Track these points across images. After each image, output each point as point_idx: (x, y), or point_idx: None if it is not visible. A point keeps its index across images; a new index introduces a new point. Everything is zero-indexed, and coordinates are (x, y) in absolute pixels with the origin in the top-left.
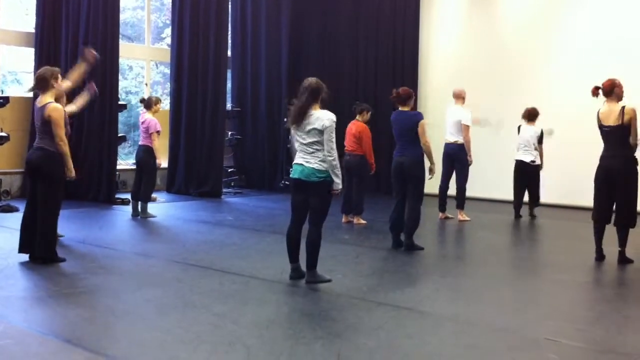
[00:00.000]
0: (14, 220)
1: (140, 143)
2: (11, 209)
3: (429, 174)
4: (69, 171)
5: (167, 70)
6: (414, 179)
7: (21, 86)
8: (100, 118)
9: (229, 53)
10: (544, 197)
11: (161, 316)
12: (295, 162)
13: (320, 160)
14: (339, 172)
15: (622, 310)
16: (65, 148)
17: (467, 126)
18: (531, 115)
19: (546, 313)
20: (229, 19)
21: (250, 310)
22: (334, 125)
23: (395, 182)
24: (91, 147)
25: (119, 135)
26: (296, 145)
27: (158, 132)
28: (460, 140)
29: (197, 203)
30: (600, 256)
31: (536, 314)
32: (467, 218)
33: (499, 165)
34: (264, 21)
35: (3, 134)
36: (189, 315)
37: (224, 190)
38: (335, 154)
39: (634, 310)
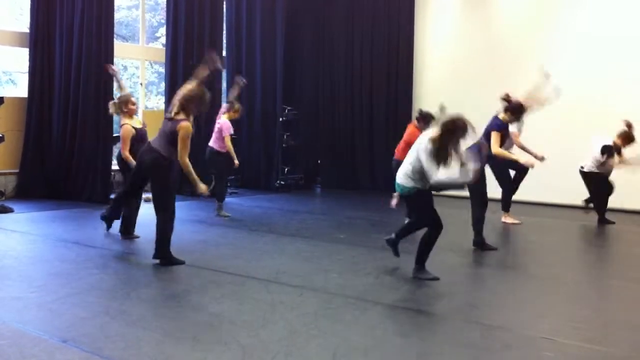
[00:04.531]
0: (9, 221)
1: (209, 144)
2: (6, 210)
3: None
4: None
5: (162, 70)
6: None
7: (16, 86)
8: (96, 118)
9: (224, 53)
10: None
11: (157, 316)
12: None
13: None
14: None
15: (618, 309)
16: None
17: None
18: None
19: (542, 311)
20: (224, 18)
21: (246, 309)
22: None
23: None
24: (86, 146)
25: (114, 135)
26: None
27: (230, 135)
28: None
29: (192, 203)
30: None
31: (532, 312)
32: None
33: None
34: (259, 21)
35: None
36: (184, 315)
37: None
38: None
39: (630, 308)
